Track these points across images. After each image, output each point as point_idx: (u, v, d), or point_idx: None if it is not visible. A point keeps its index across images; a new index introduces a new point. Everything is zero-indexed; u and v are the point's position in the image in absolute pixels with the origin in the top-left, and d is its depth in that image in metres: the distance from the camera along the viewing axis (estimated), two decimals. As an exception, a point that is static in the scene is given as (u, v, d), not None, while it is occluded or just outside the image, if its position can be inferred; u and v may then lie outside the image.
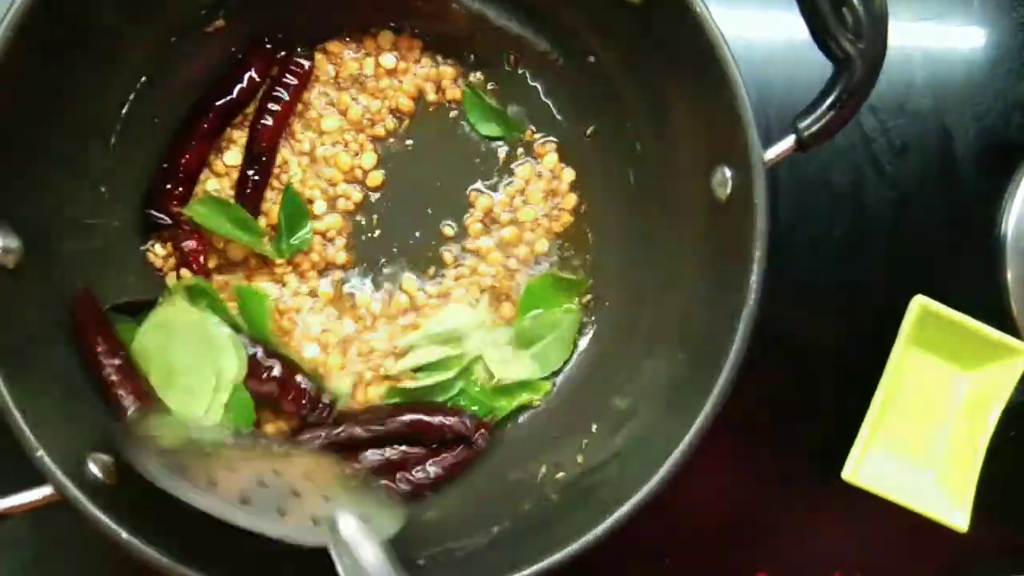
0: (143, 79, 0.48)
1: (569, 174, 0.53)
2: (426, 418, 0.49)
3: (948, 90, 0.58)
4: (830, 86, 0.41)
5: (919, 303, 0.54)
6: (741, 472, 0.57)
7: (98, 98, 0.47)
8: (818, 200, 0.57)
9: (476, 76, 0.53)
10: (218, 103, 0.50)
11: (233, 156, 0.51)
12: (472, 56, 0.53)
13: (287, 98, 0.51)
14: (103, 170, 0.48)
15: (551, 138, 0.53)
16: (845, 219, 0.57)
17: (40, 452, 0.39)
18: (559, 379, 0.52)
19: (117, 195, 0.49)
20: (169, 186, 0.50)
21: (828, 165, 0.57)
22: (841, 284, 0.57)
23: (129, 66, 0.48)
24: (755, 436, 0.56)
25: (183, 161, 0.50)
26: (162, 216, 0.50)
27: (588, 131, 0.53)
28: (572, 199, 0.53)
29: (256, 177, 0.51)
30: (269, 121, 0.50)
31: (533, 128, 0.53)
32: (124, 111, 0.48)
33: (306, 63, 0.51)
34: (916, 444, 0.56)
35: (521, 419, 0.52)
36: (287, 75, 0.51)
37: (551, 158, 0.53)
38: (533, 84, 0.53)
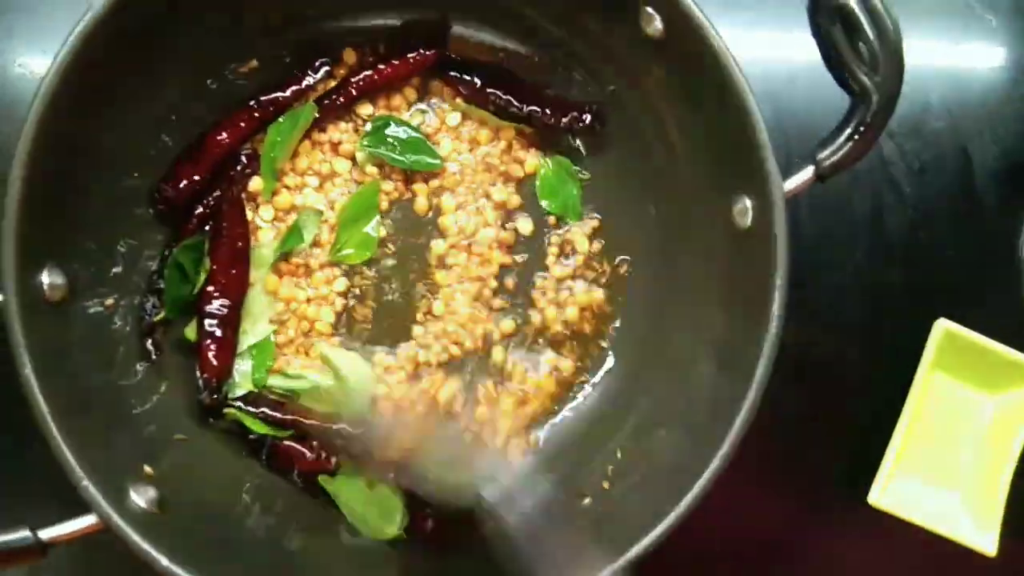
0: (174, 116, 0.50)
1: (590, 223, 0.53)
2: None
3: (966, 111, 0.58)
4: (847, 118, 0.42)
5: (942, 327, 0.54)
6: (765, 497, 0.56)
7: (136, 136, 0.48)
8: (838, 224, 0.57)
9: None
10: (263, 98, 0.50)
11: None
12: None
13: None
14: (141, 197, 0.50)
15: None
16: (865, 243, 0.57)
17: (85, 482, 0.40)
18: (582, 402, 0.53)
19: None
20: (188, 162, 0.48)
21: (847, 189, 0.57)
22: (863, 308, 0.57)
23: (166, 104, 0.49)
24: (779, 462, 0.56)
25: (210, 140, 0.48)
26: (167, 188, 0.48)
27: (608, 162, 0.54)
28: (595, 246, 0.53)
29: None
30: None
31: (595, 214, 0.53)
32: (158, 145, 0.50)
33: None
34: (942, 468, 0.56)
35: (543, 442, 0.52)
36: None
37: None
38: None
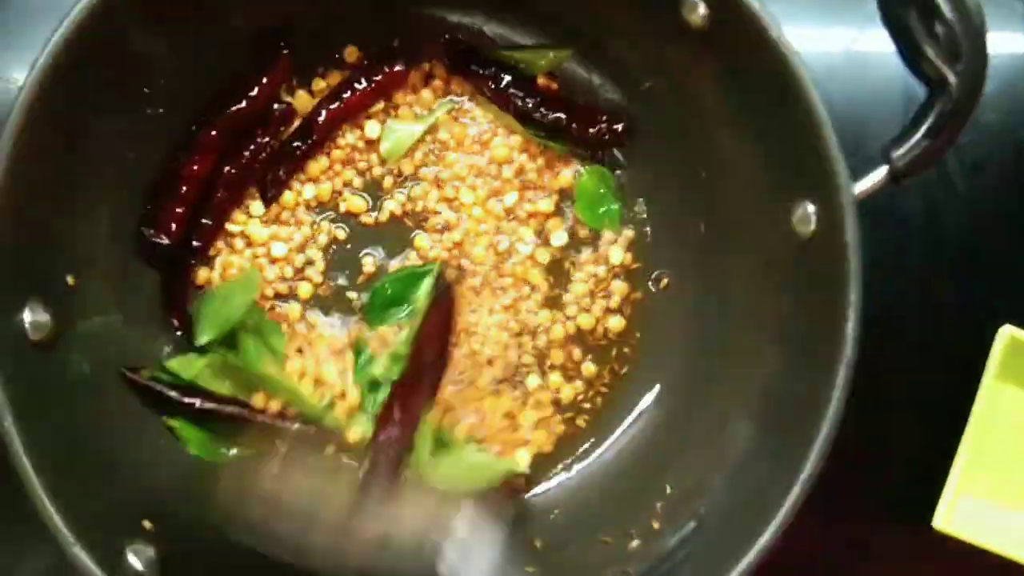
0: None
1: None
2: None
3: (1021, 103, 0.54)
4: (924, 111, 0.38)
5: (1007, 334, 0.50)
6: (820, 523, 0.52)
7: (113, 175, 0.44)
8: (888, 227, 0.53)
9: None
10: (226, 111, 0.46)
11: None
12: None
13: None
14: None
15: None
16: (918, 246, 0.53)
17: (75, 548, 0.36)
18: (618, 441, 0.48)
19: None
20: (169, 201, 0.45)
21: (897, 189, 0.53)
22: (918, 316, 0.53)
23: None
24: (834, 484, 0.52)
25: (184, 172, 0.45)
26: (159, 235, 0.45)
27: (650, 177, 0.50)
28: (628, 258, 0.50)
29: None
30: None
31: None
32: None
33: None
34: (1012, 486, 0.52)
35: (577, 482, 0.48)
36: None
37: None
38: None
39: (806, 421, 0.38)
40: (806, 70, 0.38)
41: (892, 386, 0.53)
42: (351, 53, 0.49)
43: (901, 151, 0.38)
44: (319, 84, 0.49)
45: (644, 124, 0.48)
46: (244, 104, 0.46)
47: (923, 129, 0.38)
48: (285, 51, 0.47)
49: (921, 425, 0.53)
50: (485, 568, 0.37)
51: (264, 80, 0.46)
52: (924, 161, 0.38)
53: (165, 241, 0.46)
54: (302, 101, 0.49)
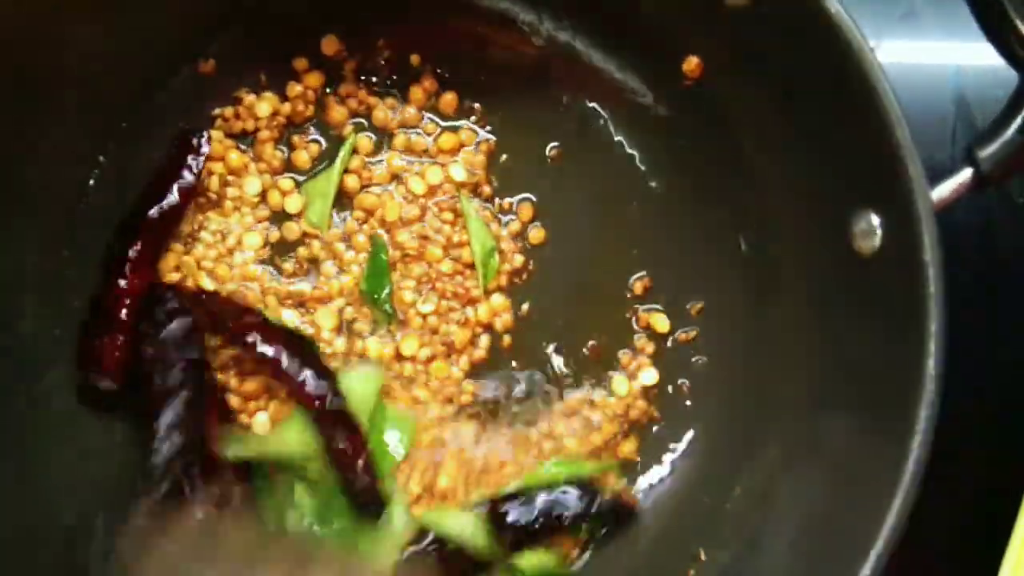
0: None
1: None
2: None
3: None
4: (1015, 103, 0.32)
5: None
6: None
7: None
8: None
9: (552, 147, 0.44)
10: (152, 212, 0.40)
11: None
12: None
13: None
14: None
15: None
16: (974, 265, 0.48)
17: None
18: (648, 489, 0.42)
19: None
20: (108, 335, 0.39)
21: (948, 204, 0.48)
22: (975, 347, 0.48)
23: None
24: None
25: (121, 292, 0.39)
26: (104, 376, 0.39)
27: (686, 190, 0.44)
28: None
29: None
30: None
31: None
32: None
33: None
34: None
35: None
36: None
37: None
38: (617, 138, 0.44)
39: (879, 483, 0.31)
40: (875, 56, 0.32)
41: (949, 427, 0.47)
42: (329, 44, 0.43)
43: (990, 150, 0.32)
44: (294, 90, 0.43)
45: (676, 124, 0.43)
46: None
47: (1016, 124, 0.31)
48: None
49: (984, 470, 0.47)
50: None
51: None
52: (1017, 161, 0.31)
53: (107, 381, 0.39)
54: (270, 103, 0.43)
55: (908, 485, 0.30)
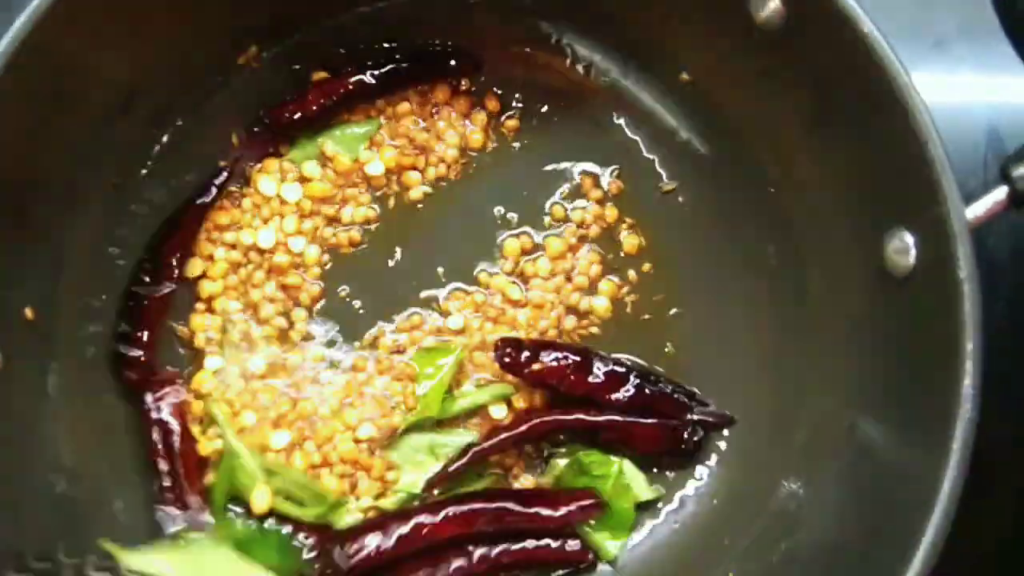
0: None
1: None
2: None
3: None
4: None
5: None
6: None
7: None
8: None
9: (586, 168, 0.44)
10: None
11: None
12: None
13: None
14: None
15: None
16: (1007, 291, 0.47)
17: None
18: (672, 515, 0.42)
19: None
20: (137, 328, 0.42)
21: (978, 228, 0.47)
22: (1011, 372, 0.47)
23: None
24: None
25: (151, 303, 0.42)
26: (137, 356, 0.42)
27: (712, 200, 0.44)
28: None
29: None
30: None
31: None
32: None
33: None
34: None
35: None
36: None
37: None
38: (633, 137, 0.44)
39: (913, 506, 0.30)
40: (908, 74, 0.32)
41: (985, 452, 0.45)
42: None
43: (1025, 169, 0.31)
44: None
45: (710, 151, 0.43)
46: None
47: (1054, 140, 0.31)
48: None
49: (1017, 495, 0.46)
50: None
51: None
52: (1054, 180, 0.31)
53: (137, 371, 0.42)
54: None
55: (944, 507, 0.30)
